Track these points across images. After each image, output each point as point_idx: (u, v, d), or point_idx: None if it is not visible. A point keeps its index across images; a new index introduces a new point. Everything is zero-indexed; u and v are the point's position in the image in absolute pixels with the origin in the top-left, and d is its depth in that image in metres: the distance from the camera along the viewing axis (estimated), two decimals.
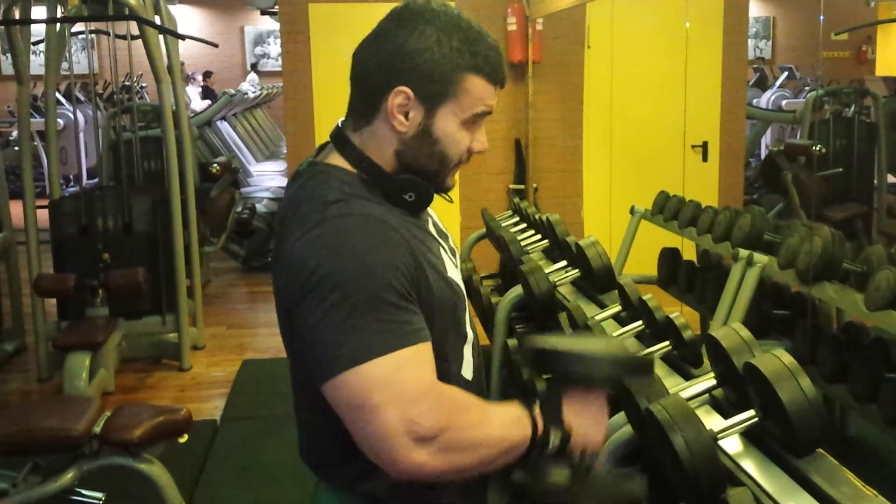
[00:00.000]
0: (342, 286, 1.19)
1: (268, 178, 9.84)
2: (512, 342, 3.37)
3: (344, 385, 1.18)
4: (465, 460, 1.20)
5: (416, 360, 1.20)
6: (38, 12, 5.04)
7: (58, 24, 4.96)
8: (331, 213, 1.25)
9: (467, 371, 1.43)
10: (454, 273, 1.42)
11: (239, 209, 7.32)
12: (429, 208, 1.45)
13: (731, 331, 1.73)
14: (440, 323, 1.32)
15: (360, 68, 1.34)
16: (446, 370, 1.35)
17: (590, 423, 1.32)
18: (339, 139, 1.37)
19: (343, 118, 1.40)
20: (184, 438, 3.01)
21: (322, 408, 1.24)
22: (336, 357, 1.18)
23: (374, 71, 1.31)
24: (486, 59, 1.31)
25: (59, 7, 4.95)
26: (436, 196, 1.41)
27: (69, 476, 2.90)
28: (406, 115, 1.30)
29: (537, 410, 1.28)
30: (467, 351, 1.43)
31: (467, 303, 1.47)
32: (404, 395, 1.17)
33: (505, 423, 1.25)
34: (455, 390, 1.27)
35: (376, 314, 1.18)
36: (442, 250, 1.42)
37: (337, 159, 1.36)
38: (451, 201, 1.46)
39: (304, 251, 1.23)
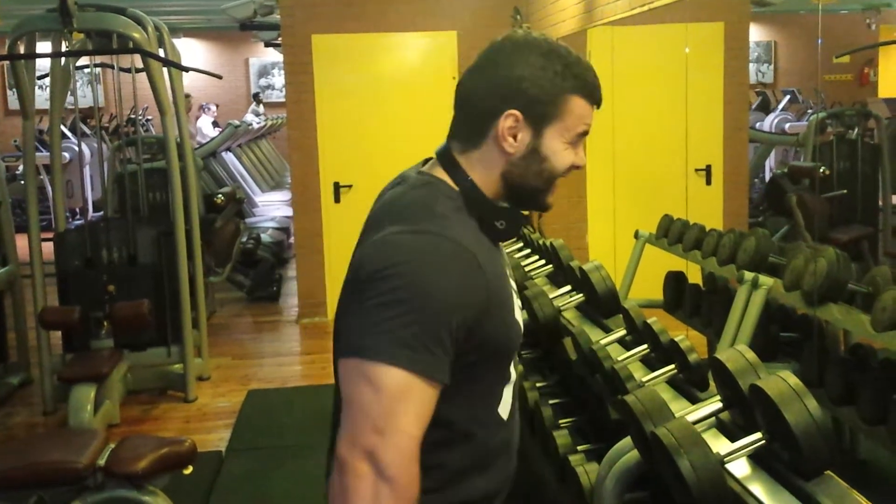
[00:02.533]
0: (407, 293, 1.22)
1: (273, 209, 9.88)
2: (527, 384, 3.36)
3: (363, 372, 1.21)
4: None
5: (424, 400, 1.22)
6: (43, 47, 5.09)
7: (62, 58, 5.00)
8: (432, 226, 1.30)
9: (504, 411, 1.44)
10: (518, 314, 1.44)
11: (244, 239, 7.34)
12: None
13: (736, 353, 1.72)
14: (492, 363, 1.36)
15: (467, 95, 1.41)
16: (482, 405, 1.39)
17: None
18: (448, 158, 1.42)
19: (445, 142, 1.45)
20: (188, 470, 2.99)
21: None
22: (369, 344, 1.21)
23: (483, 97, 1.38)
24: (586, 82, 1.40)
25: (63, 41, 4.99)
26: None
27: None
28: (515, 138, 1.37)
29: None
30: (507, 391, 1.45)
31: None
32: (398, 421, 1.19)
33: None
34: (416, 483, 1.24)
35: (425, 335, 1.22)
36: (513, 290, 1.45)
37: (442, 174, 1.41)
38: (538, 231, 1.51)
39: (394, 245, 1.27)
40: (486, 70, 1.39)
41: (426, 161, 1.47)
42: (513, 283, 1.49)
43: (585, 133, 1.42)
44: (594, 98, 1.42)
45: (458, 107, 1.43)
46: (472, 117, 1.40)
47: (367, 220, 1.43)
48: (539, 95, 1.36)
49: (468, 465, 1.38)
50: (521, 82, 1.35)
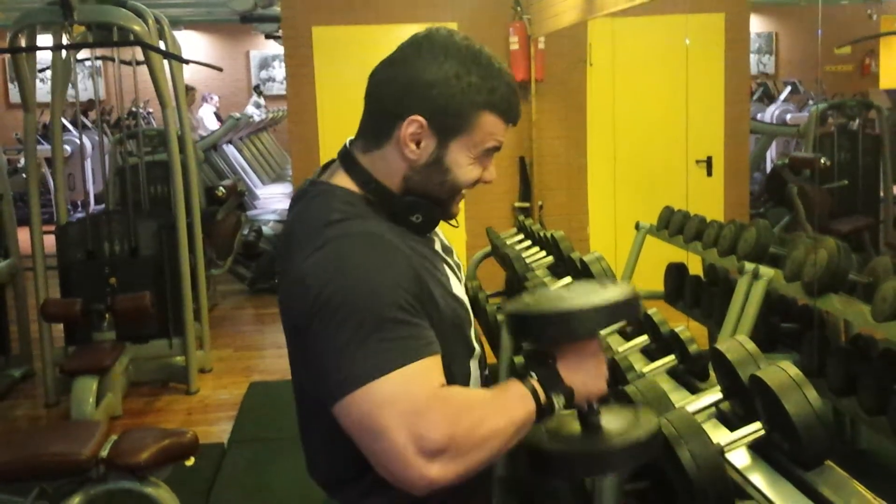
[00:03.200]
0: (346, 307, 1.19)
1: (274, 201, 9.87)
2: (518, 359, 3.36)
3: (353, 405, 1.18)
4: (478, 457, 1.19)
5: (424, 373, 1.20)
6: (44, 40, 5.09)
7: (63, 52, 5.00)
8: (331, 233, 1.26)
9: (475, 386, 1.44)
10: (459, 289, 1.42)
11: (245, 232, 7.34)
12: None
13: (736, 344, 1.72)
14: (446, 337, 1.32)
15: (375, 91, 1.36)
16: (451, 381, 1.35)
17: (588, 374, 1.29)
18: (348, 160, 1.38)
19: (352, 138, 1.41)
20: (190, 461, 3.00)
21: (327, 426, 1.24)
22: (344, 378, 1.18)
23: (389, 96, 1.33)
24: (502, 98, 1.33)
25: (64, 34, 4.99)
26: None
27: (76, 501, 2.89)
28: (418, 144, 1.32)
29: (535, 380, 1.26)
30: (473, 365, 1.44)
31: (473, 318, 1.47)
32: (411, 411, 1.16)
33: (508, 407, 1.23)
34: (458, 390, 1.27)
35: (382, 332, 1.19)
36: (447, 267, 1.43)
37: (342, 179, 1.37)
38: (457, 226, 1.47)
39: (307, 274, 1.24)
40: (397, 66, 1.33)
41: (326, 166, 1.44)
42: (453, 260, 1.47)
43: (496, 149, 1.36)
44: (509, 116, 1.35)
45: (366, 100, 1.38)
46: (377, 116, 1.35)
47: (281, 237, 1.41)
48: (448, 106, 1.30)
49: None
50: (430, 88, 1.29)
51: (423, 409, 1.16)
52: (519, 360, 3.36)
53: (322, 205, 1.32)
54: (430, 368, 1.21)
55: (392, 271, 1.24)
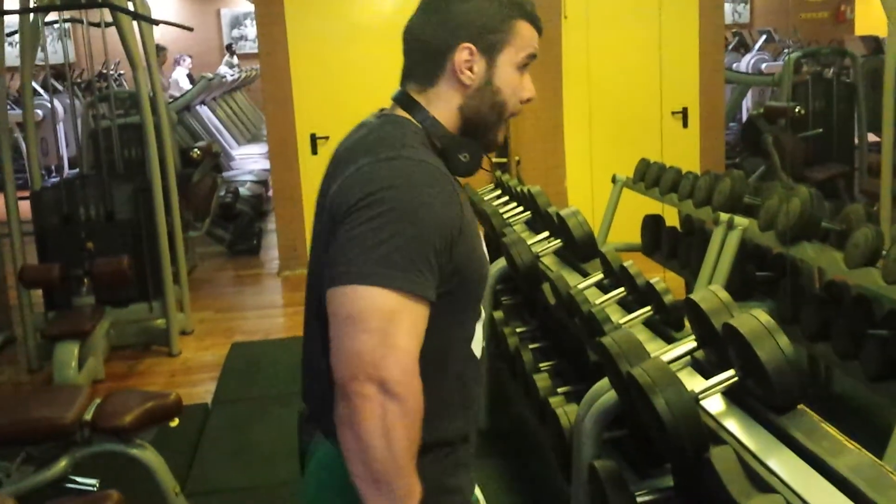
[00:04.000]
0: (396, 215, 1.25)
1: (250, 161, 9.82)
2: (498, 314, 3.40)
3: (354, 297, 1.23)
4: (377, 439, 1.20)
5: (417, 318, 1.26)
6: (11, 3, 4.99)
7: (31, 14, 4.91)
8: (406, 153, 1.33)
9: (477, 347, 1.47)
10: (485, 249, 1.48)
11: (222, 193, 7.30)
12: None
13: (709, 293, 1.75)
14: (467, 292, 1.39)
15: (417, 36, 1.45)
16: (459, 339, 1.42)
17: None
18: (406, 100, 1.46)
19: (400, 87, 1.48)
20: (175, 422, 3.02)
21: None
22: (358, 269, 1.23)
23: (434, 36, 1.42)
24: (528, 7, 1.47)
25: None
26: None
27: (62, 464, 2.90)
28: (472, 70, 1.42)
29: None
30: (479, 328, 1.48)
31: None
32: (395, 340, 1.22)
33: (406, 482, 1.24)
34: (420, 397, 1.26)
35: (412, 255, 1.25)
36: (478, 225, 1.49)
37: (404, 115, 1.45)
38: (489, 170, 1.57)
39: (373, 172, 1.30)
40: (432, 11, 1.44)
41: (382, 110, 1.50)
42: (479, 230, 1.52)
43: (533, 56, 1.47)
44: (536, 24, 1.47)
45: (409, 49, 1.47)
46: (426, 56, 1.44)
47: (330, 164, 1.46)
48: (488, 24, 1.41)
49: (448, 398, 1.41)
50: (468, 15, 1.41)
51: (400, 348, 1.22)
52: (499, 314, 3.40)
53: (394, 129, 1.40)
54: (421, 315, 1.27)
55: (446, 211, 1.30)
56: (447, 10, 1.42)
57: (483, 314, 1.49)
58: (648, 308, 2.16)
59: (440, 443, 1.41)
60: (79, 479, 3.03)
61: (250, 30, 15.14)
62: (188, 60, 12.77)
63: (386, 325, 1.22)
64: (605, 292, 2.41)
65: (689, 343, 1.82)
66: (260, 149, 10.08)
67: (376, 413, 1.20)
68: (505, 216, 3.61)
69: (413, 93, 1.45)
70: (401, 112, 1.45)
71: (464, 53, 1.41)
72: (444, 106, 1.43)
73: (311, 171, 6.32)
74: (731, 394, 1.66)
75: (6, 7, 4.87)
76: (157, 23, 5.13)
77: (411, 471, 1.24)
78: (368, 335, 1.21)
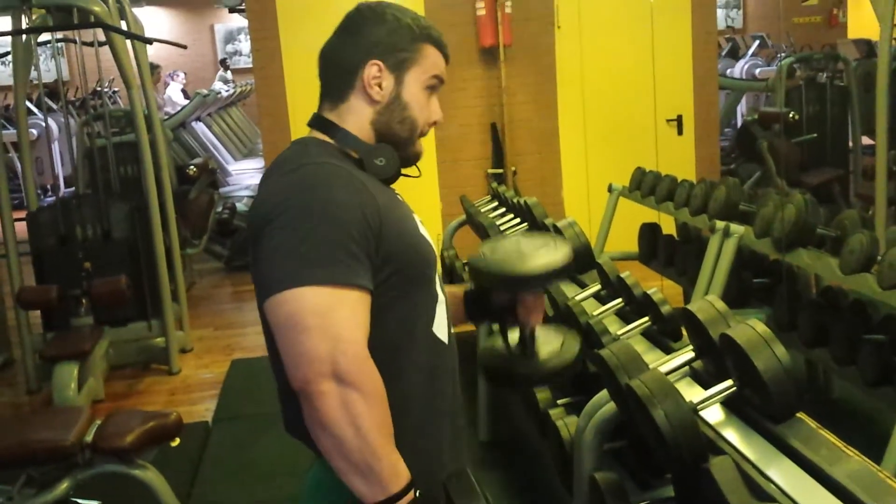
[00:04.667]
0: (304, 216, 1.30)
1: (247, 177, 9.81)
2: (495, 327, 3.39)
3: (284, 303, 1.27)
4: (345, 429, 1.24)
5: (354, 306, 1.29)
6: (3, 24, 5.01)
7: (23, 35, 4.93)
8: (306, 161, 1.39)
9: (440, 330, 1.48)
10: (425, 232, 1.51)
11: (219, 209, 7.30)
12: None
13: (706, 303, 1.76)
14: (409, 272, 1.41)
15: (329, 58, 1.53)
16: (415, 321, 1.44)
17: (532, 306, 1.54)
18: (318, 119, 1.52)
19: (315, 113, 1.54)
20: (175, 442, 3.02)
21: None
22: (283, 276, 1.27)
23: (345, 56, 1.49)
24: (436, 34, 1.53)
25: (23, 17, 4.91)
26: (406, 176, 1.54)
27: (64, 486, 2.90)
28: (380, 86, 1.48)
29: (416, 494, 1.29)
30: (440, 310, 1.49)
31: (438, 265, 1.54)
32: (337, 331, 1.25)
33: (388, 455, 1.27)
34: (380, 380, 1.28)
35: (329, 249, 1.28)
36: (413, 215, 1.52)
37: (317, 135, 1.50)
38: (419, 175, 1.57)
39: (275, 188, 1.37)
40: (346, 32, 1.52)
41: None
42: (415, 217, 1.55)
43: (440, 80, 1.53)
44: (443, 51, 1.53)
45: (323, 70, 1.53)
46: (338, 74, 1.50)
47: (258, 186, 1.55)
48: (397, 43, 1.48)
49: (411, 392, 1.42)
50: (380, 35, 1.48)
51: (346, 338, 1.26)
52: (496, 327, 3.40)
53: (297, 149, 1.46)
54: (358, 306, 1.30)
55: (354, 200, 1.34)
56: (359, 32, 1.49)
57: (441, 297, 1.51)
58: (646, 318, 2.17)
59: (414, 427, 1.42)
60: (80, 501, 3.03)
61: (244, 44, 15.18)
62: (182, 76, 12.80)
63: (323, 321, 1.25)
64: (603, 303, 2.42)
65: (687, 353, 1.82)
66: (256, 163, 10.09)
67: (339, 406, 1.23)
68: (502, 228, 3.62)
69: (326, 112, 1.51)
70: (315, 134, 1.50)
71: (373, 69, 1.47)
72: (356, 120, 1.49)
73: None
74: (729, 404, 1.67)
75: None
76: (150, 41, 5.14)
77: (390, 450, 1.27)
78: (309, 334, 1.25)
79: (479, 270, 1.51)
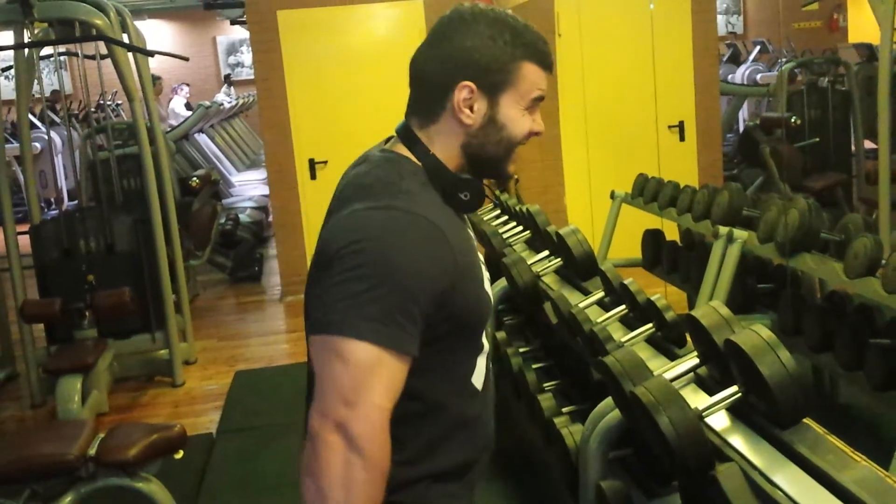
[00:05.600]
0: (375, 268, 1.24)
1: (249, 188, 9.83)
2: (500, 335, 3.39)
3: (330, 347, 1.24)
4: (336, 490, 1.20)
5: (393, 372, 1.25)
6: (5, 37, 5.02)
7: (26, 49, 4.94)
8: (399, 202, 1.31)
9: (478, 380, 1.45)
10: (488, 286, 1.47)
11: (222, 221, 7.31)
12: None
13: (710, 309, 1.75)
14: (463, 335, 1.38)
15: (421, 70, 1.43)
16: (454, 376, 1.40)
17: None
18: (408, 135, 1.44)
19: (405, 119, 1.46)
20: (179, 454, 3.01)
21: None
22: (337, 319, 1.23)
23: (436, 71, 1.40)
24: (537, 48, 1.41)
25: (25, 32, 4.92)
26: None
27: (67, 500, 2.89)
28: (471, 108, 1.39)
29: None
30: (481, 361, 1.46)
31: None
32: (367, 393, 1.22)
33: None
34: (387, 454, 1.25)
35: (389, 307, 1.23)
36: (481, 262, 1.47)
37: (404, 150, 1.43)
38: (493, 200, 1.50)
39: (360, 221, 1.30)
40: (436, 44, 1.41)
41: (388, 139, 1.49)
42: (480, 256, 1.50)
43: (540, 98, 1.43)
44: (545, 63, 1.42)
45: (413, 83, 1.45)
46: (428, 92, 1.41)
47: (332, 199, 1.45)
48: (491, 64, 1.37)
49: (443, 435, 1.40)
50: (471, 53, 1.37)
51: (373, 403, 1.22)
52: (501, 335, 3.39)
53: (391, 169, 1.38)
54: (396, 373, 1.25)
55: (431, 267, 1.28)
56: (450, 46, 1.39)
57: (486, 346, 1.48)
58: (650, 325, 2.16)
59: (432, 476, 1.40)
60: None
61: (246, 56, 15.22)
62: (185, 89, 12.84)
63: (360, 379, 1.21)
64: (607, 310, 2.41)
65: (692, 360, 1.81)
66: (259, 175, 10.10)
67: (339, 464, 1.20)
68: (505, 236, 3.61)
69: (415, 128, 1.43)
70: (401, 148, 1.43)
71: (463, 92, 1.37)
72: (445, 143, 1.41)
73: (311, 196, 6.33)
74: (735, 410, 1.66)
75: (1, 42, 4.90)
76: (152, 54, 5.15)
77: None
78: (340, 384, 1.21)
79: None
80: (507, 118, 1.40)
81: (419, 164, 1.40)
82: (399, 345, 1.24)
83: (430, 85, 1.41)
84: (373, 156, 1.44)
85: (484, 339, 1.48)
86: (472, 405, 1.45)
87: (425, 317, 1.28)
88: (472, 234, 1.51)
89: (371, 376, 1.22)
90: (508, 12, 1.43)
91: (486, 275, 1.47)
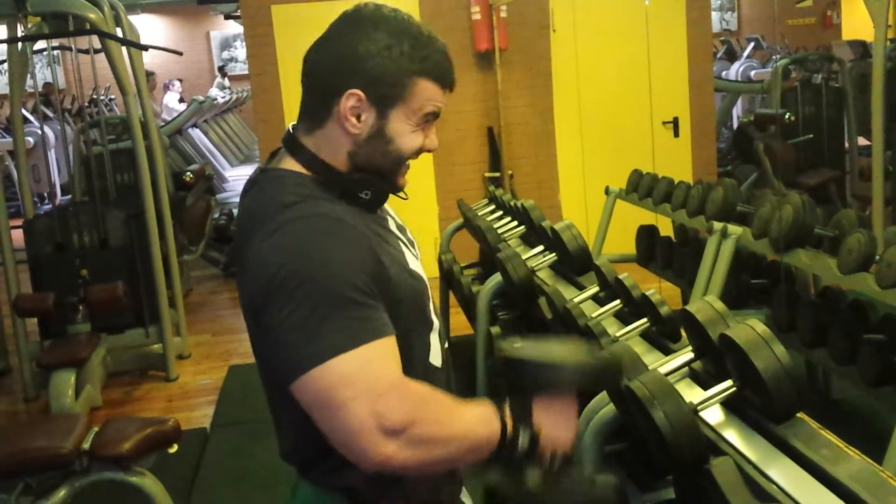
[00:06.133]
0: (304, 286, 1.21)
1: (243, 183, 9.81)
2: (495, 330, 3.39)
3: (311, 383, 1.20)
4: (433, 454, 1.22)
5: (382, 355, 1.23)
6: None
7: (19, 43, 4.92)
8: (288, 215, 1.27)
9: (435, 358, 1.45)
10: (415, 264, 1.44)
11: (216, 216, 7.29)
12: (385, 204, 1.47)
13: (705, 304, 1.76)
14: (405, 313, 1.35)
15: (311, 70, 1.37)
16: (413, 358, 1.38)
17: (559, 426, 1.32)
18: (292, 144, 1.39)
19: (294, 123, 1.42)
20: (173, 449, 3.00)
21: (293, 407, 1.25)
22: (301, 357, 1.20)
23: (325, 74, 1.34)
24: (436, 64, 1.34)
25: (19, 25, 4.91)
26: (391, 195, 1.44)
27: (61, 494, 2.89)
28: (358, 118, 1.33)
29: (507, 411, 1.29)
30: (434, 338, 1.45)
31: (429, 291, 1.48)
32: (372, 389, 1.19)
33: (473, 420, 1.26)
34: (423, 386, 1.27)
35: (339, 312, 1.21)
36: (401, 243, 1.44)
37: (290, 164, 1.38)
38: (406, 198, 1.46)
39: (265, 255, 1.25)
40: (331, 43, 1.35)
41: (274, 153, 1.44)
42: (406, 237, 1.48)
43: (435, 115, 1.37)
44: (444, 81, 1.36)
45: (304, 82, 1.39)
46: (316, 94, 1.36)
47: (236, 228, 1.41)
48: (383, 76, 1.31)
49: None
50: (364, 61, 1.31)
51: (383, 389, 1.19)
52: (496, 330, 3.39)
53: (275, 190, 1.33)
54: (386, 350, 1.24)
55: (349, 252, 1.25)
56: (344, 49, 1.32)
57: (436, 323, 1.46)
58: (645, 320, 2.16)
59: None
60: None
61: (240, 51, 15.17)
62: (177, 85, 12.80)
63: (355, 388, 1.18)
64: (601, 305, 2.41)
65: (687, 354, 1.82)
66: (253, 170, 10.08)
67: (411, 453, 1.19)
68: (499, 231, 3.61)
69: (301, 135, 1.38)
70: (287, 162, 1.37)
71: (351, 100, 1.31)
72: (332, 150, 1.35)
73: None
74: (729, 404, 1.66)
75: None
76: (146, 48, 5.14)
77: (469, 418, 1.26)
78: (347, 408, 1.18)
79: (514, 359, 1.32)
80: (395, 132, 1.34)
81: (308, 173, 1.35)
82: (369, 334, 1.22)
83: (318, 87, 1.36)
84: (257, 180, 1.40)
85: (433, 317, 1.46)
86: (435, 385, 1.41)
87: (376, 299, 1.26)
88: (393, 224, 1.47)
89: (365, 377, 1.20)
90: (415, 20, 1.37)
91: (410, 255, 1.44)
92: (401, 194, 1.44)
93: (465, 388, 1.64)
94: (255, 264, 1.26)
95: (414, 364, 1.37)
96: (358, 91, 1.31)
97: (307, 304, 1.20)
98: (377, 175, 1.38)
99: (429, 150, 1.39)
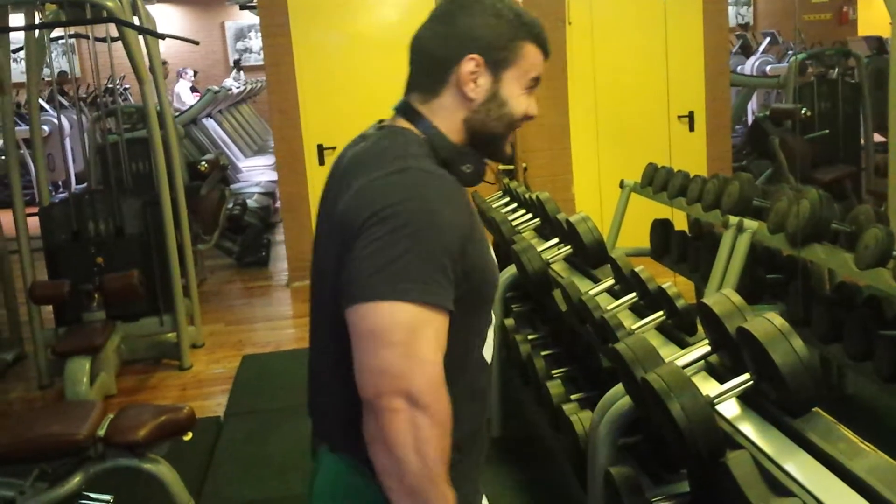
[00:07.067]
0: (409, 227, 1.24)
1: (257, 173, 9.84)
2: (509, 322, 3.40)
3: (373, 314, 1.22)
4: (409, 453, 1.20)
5: (439, 329, 1.25)
6: (16, 19, 5.02)
7: (36, 31, 4.94)
8: (412, 163, 1.32)
9: (487, 354, 1.46)
10: (492, 253, 1.47)
11: (230, 206, 7.32)
12: None
13: (722, 297, 1.75)
14: (479, 296, 1.38)
15: (425, 46, 1.44)
16: (473, 347, 1.41)
17: None
18: (408, 110, 1.45)
19: (403, 97, 1.47)
20: (188, 436, 3.02)
21: (346, 367, 1.26)
22: (376, 285, 1.22)
23: (442, 45, 1.42)
24: (537, 30, 1.45)
25: (36, 13, 4.92)
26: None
27: (76, 480, 2.91)
28: (476, 82, 1.41)
29: None
30: (490, 334, 1.47)
31: None
32: (420, 352, 1.21)
33: (440, 492, 1.23)
34: (448, 406, 1.25)
35: (429, 267, 1.24)
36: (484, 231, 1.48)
37: (406, 125, 1.43)
38: (493, 183, 1.53)
39: (384, 186, 1.29)
40: (442, 21, 1.43)
41: (381, 122, 1.49)
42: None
43: (538, 80, 1.45)
44: (544, 47, 1.46)
45: (415, 59, 1.46)
46: (432, 66, 1.43)
47: (329, 180, 1.44)
48: (496, 41, 1.40)
49: (455, 410, 1.35)
50: (478, 29, 1.40)
51: (425, 360, 1.21)
52: (510, 322, 3.40)
53: (396, 141, 1.39)
54: (442, 326, 1.25)
55: (458, 219, 1.30)
56: (455, 23, 1.41)
57: (493, 319, 1.49)
58: (661, 313, 2.16)
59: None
60: (93, 495, 3.04)
61: (255, 42, 15.19)
62: (190, 73, 12.82)
63: (409, 339, 1.20)
64: (617, 298, 2.41)
65: (703, 347, 1.82)
66: (267, 160, 10.10)
67: (407, 427, 1.19)
68: (514, 223, 3.61)
69: (416, 103, 1.44)
70: (403, 123, 1.44)
71: (470, 65, 1.39)
72: (448, 117, 1.42)
73: (319, 182, 6.27)
74: (746, 398, 1.66)
75: (12, 24, 4.90)
76: (163, 37, 5.15)
77: (444, 479, 1.23)
78: (392, 350, 1.20)
79: None
80: (508, 95, 1.42)
81: (422, 136, 1.41)
82: (439, 300, 1.24)
83: (434, 59, 1.42)
84: (372, 134, 1.44)
85: (492, 312, 1.48)
86: (481, 378, 1.45)
87: (455, 273, 1.28)
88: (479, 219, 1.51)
89: (420, 336, 1.21)
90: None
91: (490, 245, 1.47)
92: (488, 179, 1.48)
93: None
94: (368, 192, 1.29)
95: (471, 350, 1.40)
96: (476, 56, 1.39)
97: (403, 244, 1.23)
98: (489, 141, 1.44)
99: (530, 117, 1.47)
